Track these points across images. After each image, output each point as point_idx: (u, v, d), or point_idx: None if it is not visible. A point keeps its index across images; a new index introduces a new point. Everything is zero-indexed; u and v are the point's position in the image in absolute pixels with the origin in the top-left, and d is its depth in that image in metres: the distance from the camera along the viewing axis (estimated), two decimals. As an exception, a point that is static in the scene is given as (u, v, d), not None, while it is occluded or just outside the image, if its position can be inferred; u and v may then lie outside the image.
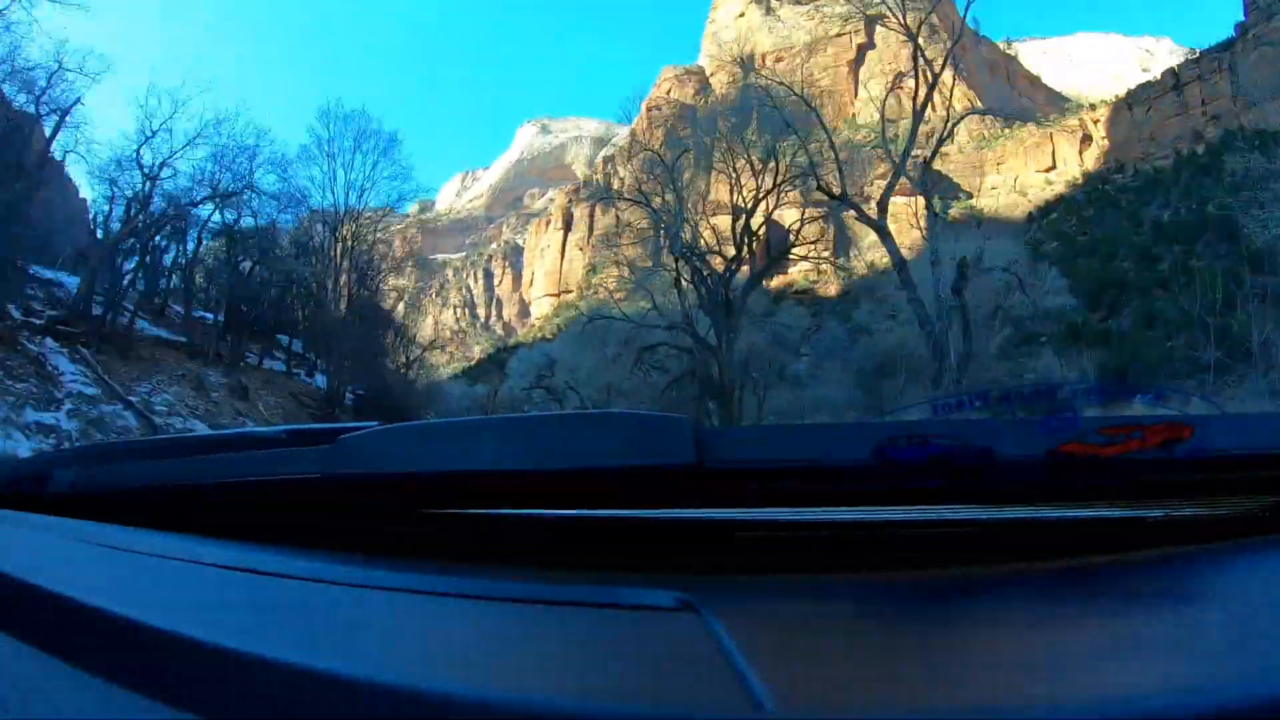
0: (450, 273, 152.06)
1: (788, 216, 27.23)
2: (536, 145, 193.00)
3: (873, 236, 23.41)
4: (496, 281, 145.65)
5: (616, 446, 0.63)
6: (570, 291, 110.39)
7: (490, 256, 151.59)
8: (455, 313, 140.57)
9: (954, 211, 50.60)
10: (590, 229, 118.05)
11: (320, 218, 33.31)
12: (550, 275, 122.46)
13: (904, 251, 22.23)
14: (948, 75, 24.52)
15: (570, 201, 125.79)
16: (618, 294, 35.54)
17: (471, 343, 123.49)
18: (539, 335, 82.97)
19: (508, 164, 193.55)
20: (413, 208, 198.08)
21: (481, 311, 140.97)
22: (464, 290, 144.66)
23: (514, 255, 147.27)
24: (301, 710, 0.40)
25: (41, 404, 16.76)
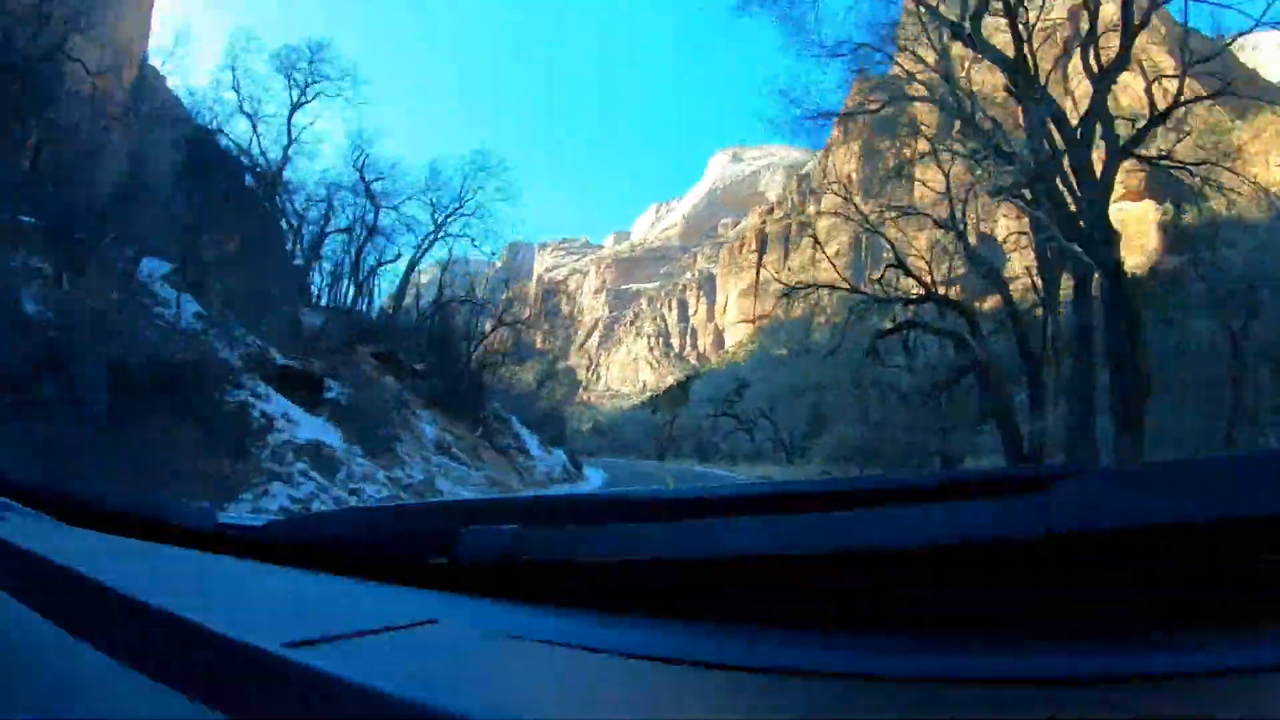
0: (645, 302, 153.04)
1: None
2: (729, 174, 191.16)
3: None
4: (691, 311, 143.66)
5: None
6: (765, 318, 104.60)
7: (684, 286, 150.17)
8: (649, 342, 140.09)
9: (1189, 217, 40.27)
10: (785, 251, 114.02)
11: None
12: (745, 300, 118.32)
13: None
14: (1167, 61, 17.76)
15: (764, 223, 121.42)
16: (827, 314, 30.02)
17: (665, 372, 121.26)
18: (732, 361, 78.91)
19: (700, 193, 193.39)
20: (608, 239, 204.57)
21: (675, 342, 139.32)
22: (658, 320, 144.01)
23: (708, 284, 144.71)
24: None
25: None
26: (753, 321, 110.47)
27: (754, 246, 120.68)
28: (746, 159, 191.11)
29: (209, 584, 0.90)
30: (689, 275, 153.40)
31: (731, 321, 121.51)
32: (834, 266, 25.06)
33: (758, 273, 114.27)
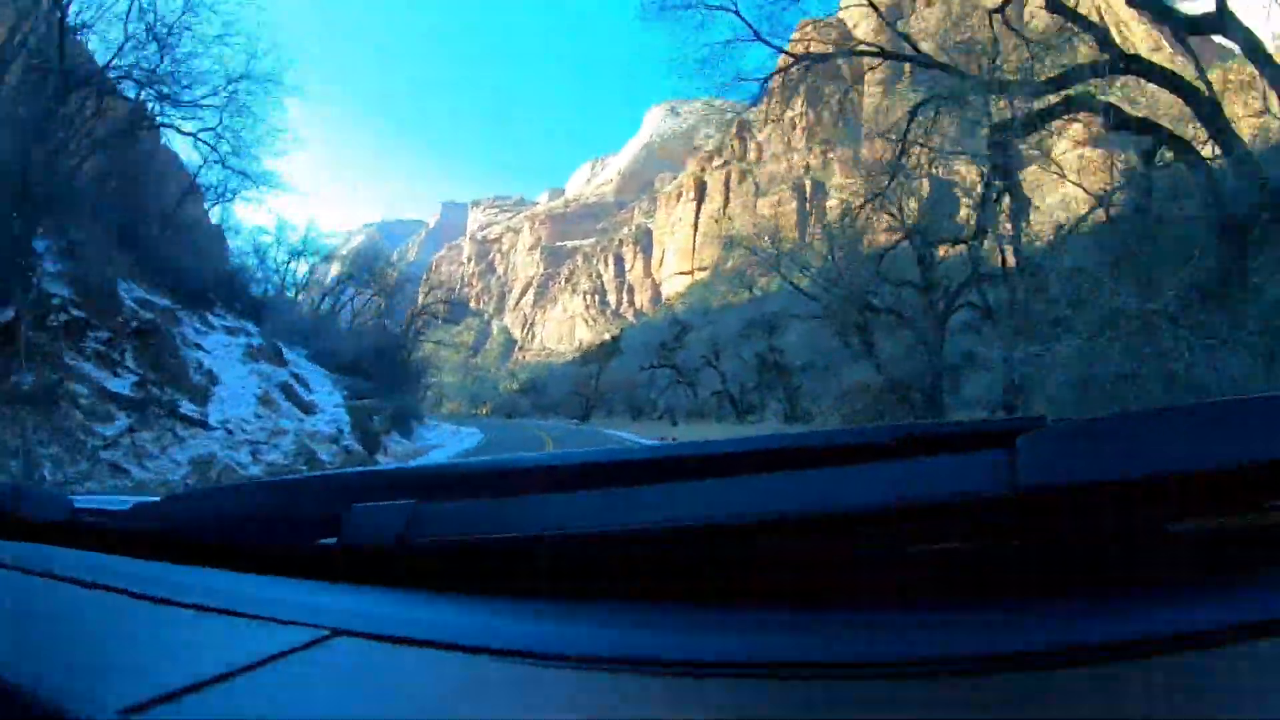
0: (580, 259, 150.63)
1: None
2: (666, 128, 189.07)
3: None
4: (628, 267, 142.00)
5: None
6: (705, 269, 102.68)
7: (621, 242, 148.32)
8: (585, 300, 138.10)
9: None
10: (725, 199, 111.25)
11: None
12: (682, 252, 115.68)
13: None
14: None
15: (703, 170, 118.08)
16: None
17: (602, 329, 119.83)
18: (669, 312, 78.09)
19: (637, 148, 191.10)
20: (542, 196, 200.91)
21: (612, 298, 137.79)
22: (594, 277, 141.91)
23: (645, 240, 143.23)
24: None
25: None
26: (690, 274, 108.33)
27: (692, 195, 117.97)
28: (683, 113, 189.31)
29: (39, 603, 0.79)
30: (625, 231, 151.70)
31: (669, 274, 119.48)
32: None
33: (696, 222, 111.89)
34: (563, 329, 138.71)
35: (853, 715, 0.46)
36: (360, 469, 1.84)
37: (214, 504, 1.15)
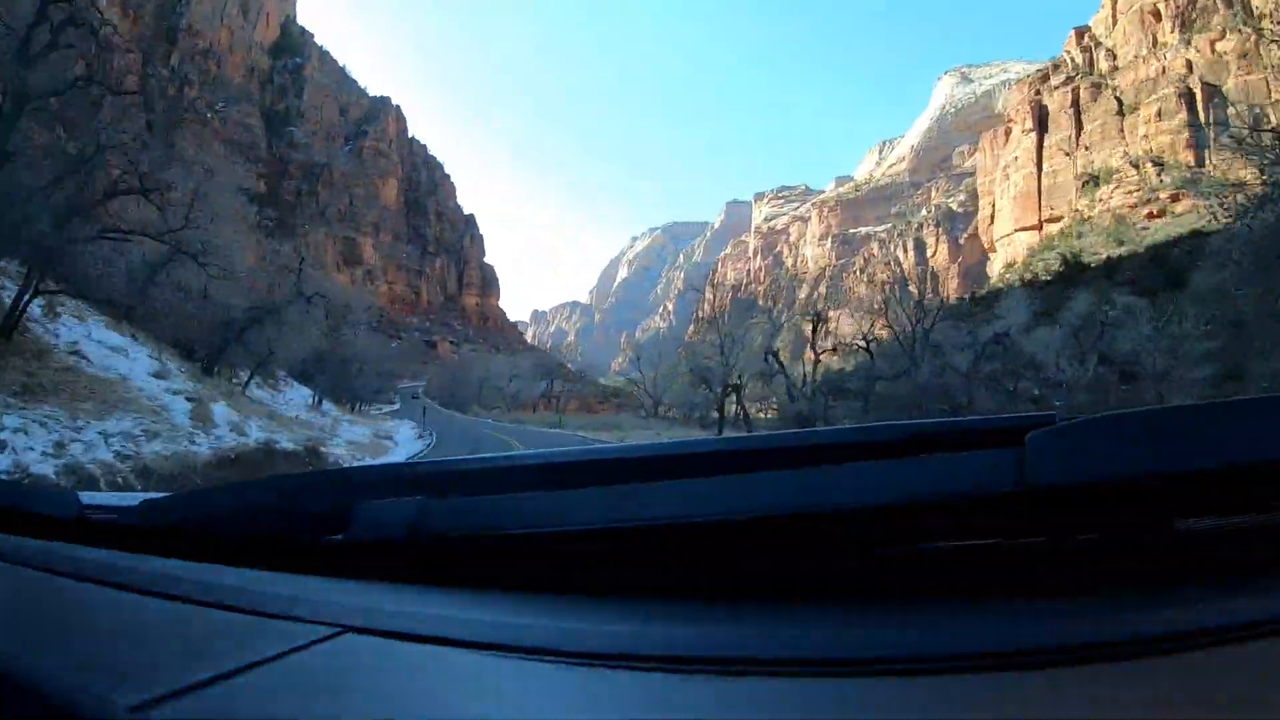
0: (875, 247, 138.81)
1: None
2: (958, 96, 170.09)
3: None
4: (930, 252, 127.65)
5: None
6: (1059, 218, 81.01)
7: (920, 225, 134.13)
8: (883, 290, 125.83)
9: None
10: (1078, 123, 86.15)
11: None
12: (1024, 200, 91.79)
13: None
14: None
15: (1037, 93, 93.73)
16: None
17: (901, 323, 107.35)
18: (1009, 284, 61.99)
19: (927, 122, 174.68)
20: (829, 185, 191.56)
21: (913, 288, 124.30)
22: (892, 264, 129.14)
23: (948, 222, 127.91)
24: None
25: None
26: (1037, 229, 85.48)
27: (1029, 125, 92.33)
28: (976, 78, 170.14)
29: (48, 600, 0.80)
30: (924, 212, 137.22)
31: (1003, 234, 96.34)
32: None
33: (1039, 163, 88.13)
34: (858, 324, 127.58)
35: (858, 712, 0.46)
36: (367, 465, 1.96)
37: (222, 501, 1.15)
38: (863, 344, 35.65)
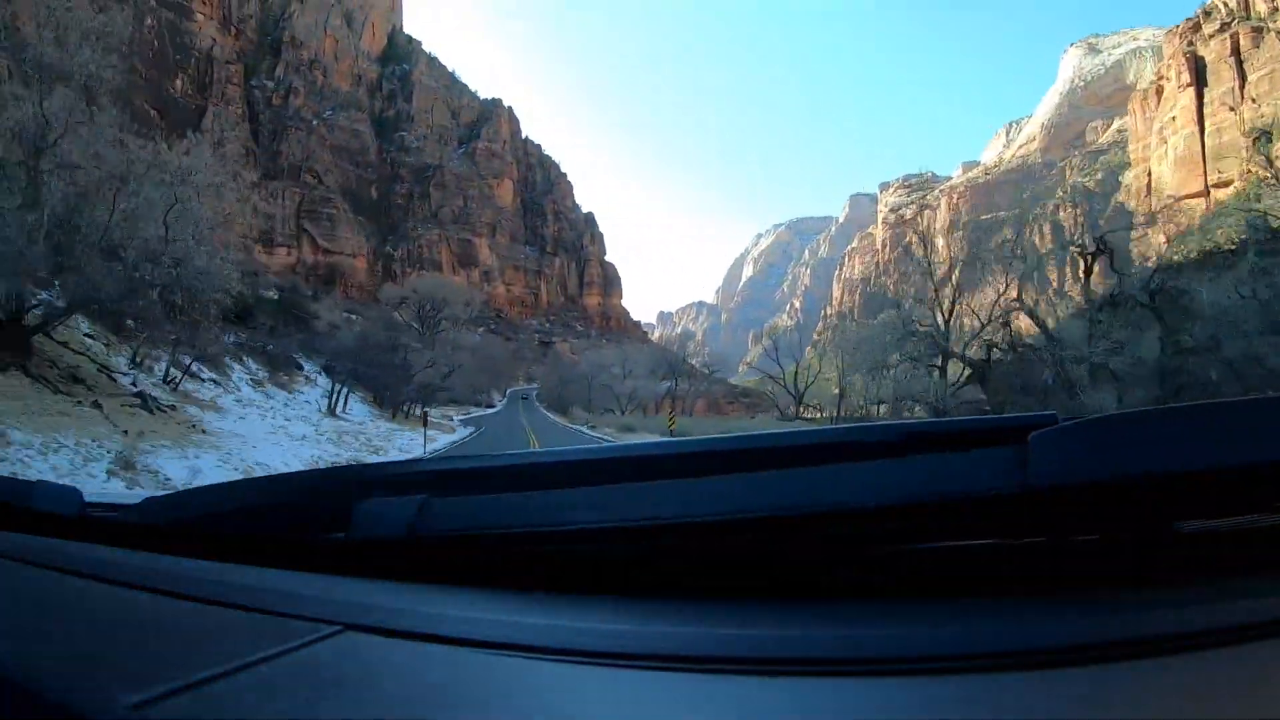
0: (1009, 232, 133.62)
1: None
2: (1087, 69, 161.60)
3: None
4: (1068, 234, 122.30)
5: None
6: (1228, 182, 73.11)
7: (1057, 207, 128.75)
8: (1020, 280, 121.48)
9: None
10: (1240, 73, 76.64)
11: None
12: (1187, 164, 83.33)
13: None
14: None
15: (1189, 44, 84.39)
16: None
17: (1044, 313, 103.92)
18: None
19: (1056, 98, 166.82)
20: (955, 171, 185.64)
21: (1053, 276, 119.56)
22: (1021, 252, 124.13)
23: (1085, 201, 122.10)
24: None
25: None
26: (1203, 194, 76.36)
27: (1186, 79, 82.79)
28: (1104, 48, 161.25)
29: (50, 597, 0.79)
30: (1060, 195, 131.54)
31: (1162, 203, 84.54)
32: None
33: (1200, 119, 78.54)
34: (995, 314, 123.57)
35: (858, 712, 0.46)
36: (368, 463, 1.79)
37: (224, 499, 1.14)
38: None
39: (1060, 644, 0.49)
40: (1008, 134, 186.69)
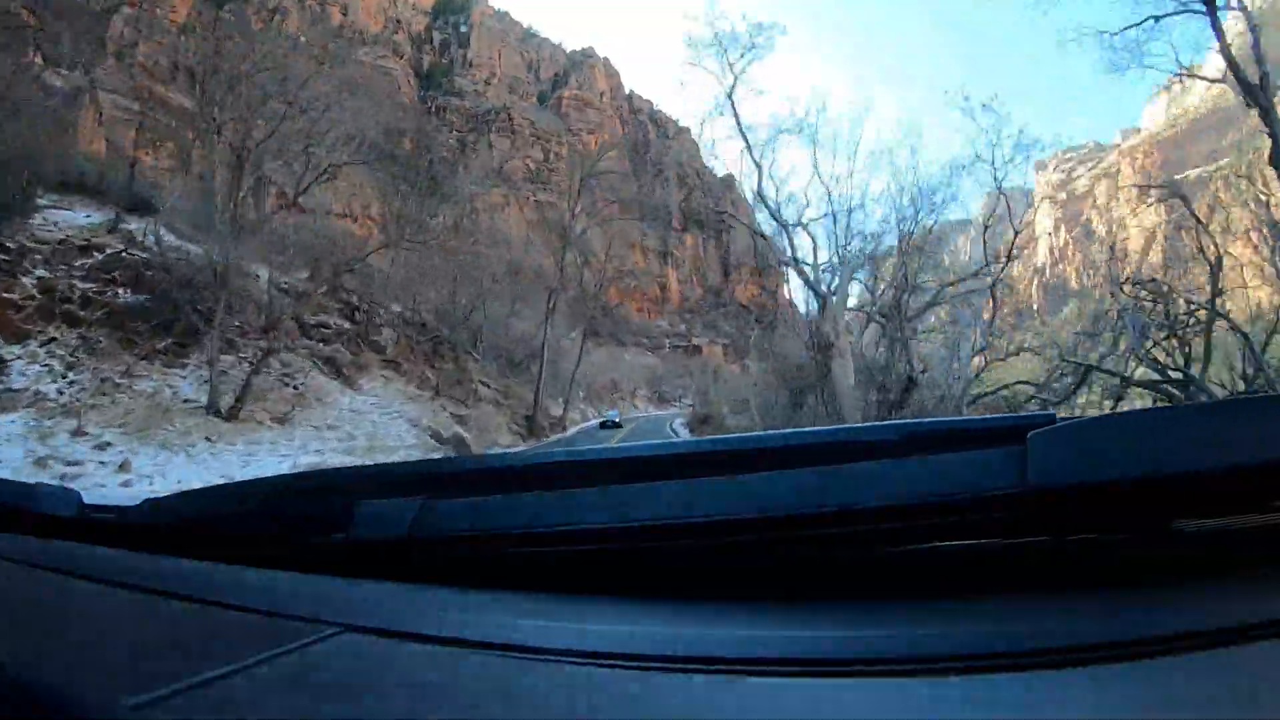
0: (1220, 187, 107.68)
1: None
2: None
3: None
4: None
5: None
6: None
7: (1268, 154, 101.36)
8: (1258, 245, 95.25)
9: None
10: None
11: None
12: None
13: None
14: None
15: None
16: None
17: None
18: None
19: (1236, 32, 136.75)
20: (1115, 137, 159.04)
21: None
22: (1257, 205, 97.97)
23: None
24: None
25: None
26: None
27: None
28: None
29: (50, 598, 0.80)
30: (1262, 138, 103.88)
31: None
32: None
33: None
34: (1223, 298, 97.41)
35: (859, 712, 0.46)
36: (368, 465, 1.80)
37: (223, 500, 1.16)
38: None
39: (1059, 644, 0.49)
40: (1169, 91, 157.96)
